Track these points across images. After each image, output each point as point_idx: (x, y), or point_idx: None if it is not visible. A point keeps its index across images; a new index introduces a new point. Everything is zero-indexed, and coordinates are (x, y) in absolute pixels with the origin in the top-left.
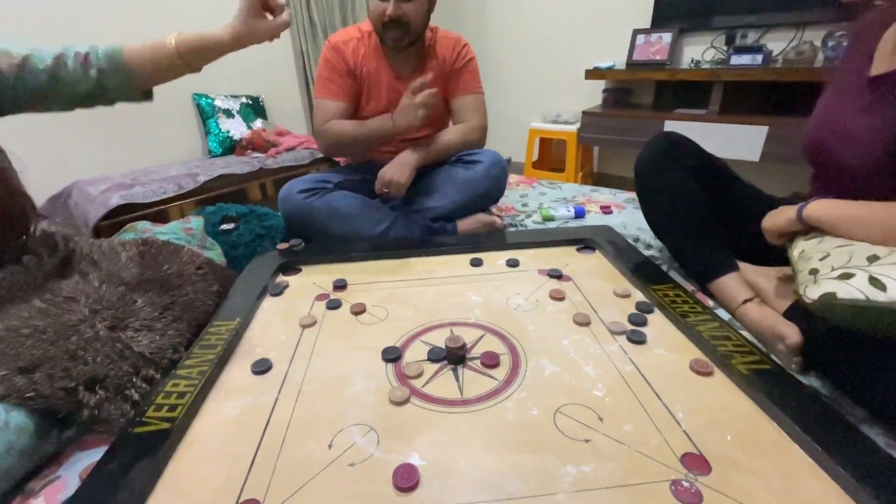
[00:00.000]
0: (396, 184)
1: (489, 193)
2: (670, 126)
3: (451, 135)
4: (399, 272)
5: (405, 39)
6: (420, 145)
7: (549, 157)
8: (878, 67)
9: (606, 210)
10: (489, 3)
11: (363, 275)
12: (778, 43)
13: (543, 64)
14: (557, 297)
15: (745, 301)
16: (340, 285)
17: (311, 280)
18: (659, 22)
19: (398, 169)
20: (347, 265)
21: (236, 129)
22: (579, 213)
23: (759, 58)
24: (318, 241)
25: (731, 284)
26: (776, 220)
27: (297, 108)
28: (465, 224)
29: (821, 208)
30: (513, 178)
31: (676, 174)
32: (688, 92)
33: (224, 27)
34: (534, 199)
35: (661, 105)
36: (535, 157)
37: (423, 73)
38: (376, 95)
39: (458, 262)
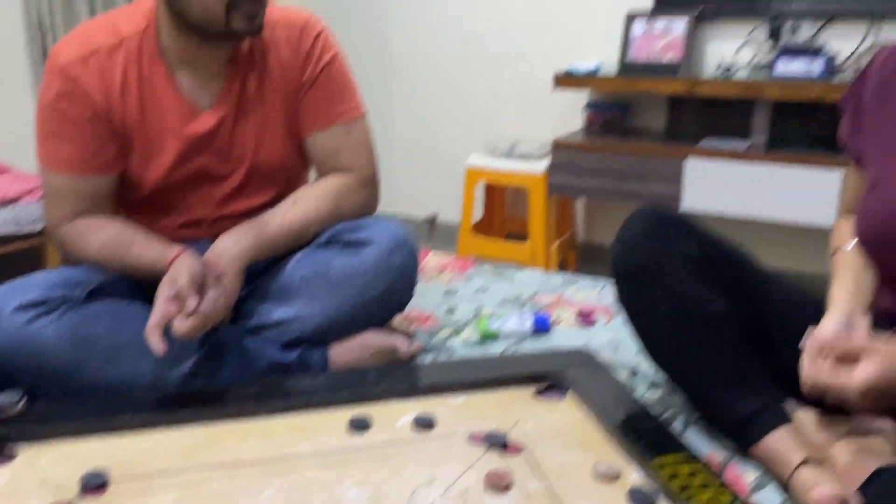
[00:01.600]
0: (210, 313)
1: (387, 297)
2: (695, 167)
3: (310, 203)
4: (213, 450)
5: (259, 21)
6: (255, 225)
7: (502, 214)
8: None
9: (587, 318)
10: None
11: (143, 458)
12: (845, 41)
13: (486, 62)
14: (498, 485)
15: (800, 464)
16: (96, 485)
17: (37, 475)
18: (665, 4)
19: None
20: (111, 442)
21: None
22: (541, 326)
23: (817, 65)
24: (56, 396)
25: (782, 445)
26: (834, 376)
27: (25, 120)
28: (343, 351)
29: None
30: (434, 260)
31: (677, 269)
32: (719, 113)
33: None
34: (468, 300)
35: (679, 132)
36: (477, 214)
37: (244, 94)
38: (159, 148)
39: (328, 426)
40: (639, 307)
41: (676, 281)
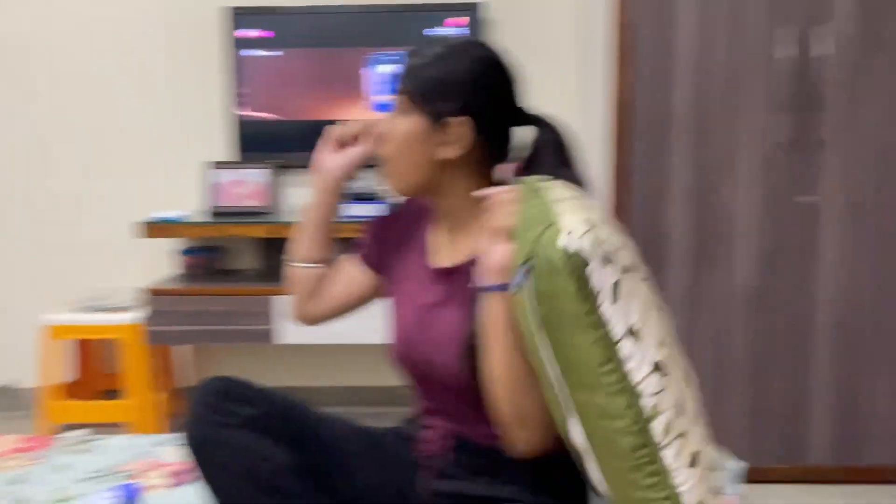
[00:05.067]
0: None
1: None
2: (282, 303)
3: None
4: None
5: None
6: None
7: (98, 372)
8: (441, 259)
9: (180, 477)
10: None
11: None
12: None
13: (61, 212)
14: None
15: None
16: None
17: None
18: (248, 155)
19: None
20: None
21: None
22: (130, 497)
23: (381, 207)
24: None
25: None
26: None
27: None
28: None
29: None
30: (3, 444)
31: (236, 434)
32: None
33: None
34: (42, 484)
35: (271, 271)
36: (71, 374)
37: None
38: None
39: None
40: (213, 477)
41: (239, 444)
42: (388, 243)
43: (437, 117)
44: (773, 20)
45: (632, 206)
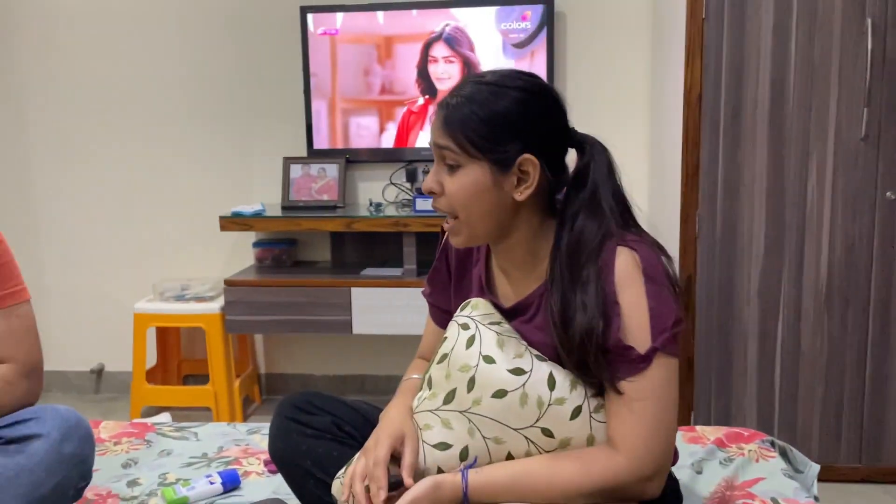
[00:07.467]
0: None
1: (61, 489)
2: (360, 295)
3: None
4: None
5: None
6: None
7: (178, 358)
8: (503, 297)
9: (273, 466)
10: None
11: None
12: None
13: (149, 205)
14: None
15: None
16: None
17: None
18: (317, 150)
19: None
20: None
21: None
22: (230, 483)
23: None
24: None
25: None
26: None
27: None
28: None
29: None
30: (107, 428)
31: (313, 444)
32: (376, 244)
33: None
34: (149, 468)
35: (344, 264)
36: (150, 360)
37: None
38: None
39: None
40: (297, 483)
41: (316, 454)
42: (448, 290)
43: (502, 162)
44: (849, 12)
45: (704, 202)
